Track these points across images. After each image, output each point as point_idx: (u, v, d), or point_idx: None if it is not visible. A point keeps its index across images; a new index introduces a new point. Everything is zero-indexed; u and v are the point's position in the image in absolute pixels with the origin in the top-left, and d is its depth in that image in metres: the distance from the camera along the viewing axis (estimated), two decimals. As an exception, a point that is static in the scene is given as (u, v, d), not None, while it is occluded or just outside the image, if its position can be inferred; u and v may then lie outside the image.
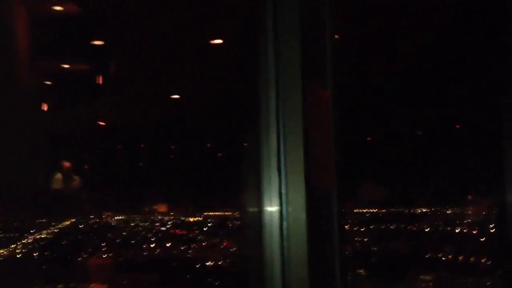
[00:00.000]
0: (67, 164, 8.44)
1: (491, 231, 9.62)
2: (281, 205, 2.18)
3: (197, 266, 9.67)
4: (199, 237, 10.14)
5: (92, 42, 6.34)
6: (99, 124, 8.16)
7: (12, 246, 8.90)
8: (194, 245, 10.06)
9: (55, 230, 8.92)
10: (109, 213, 9.92)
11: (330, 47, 2.40)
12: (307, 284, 2.10)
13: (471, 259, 9.94)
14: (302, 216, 2.17)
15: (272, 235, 2.18)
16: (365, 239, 10.76)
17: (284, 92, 2.23)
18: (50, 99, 7.10)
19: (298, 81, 2.24)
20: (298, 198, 2.18)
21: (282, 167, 2.20)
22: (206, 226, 10.43)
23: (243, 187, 2.47)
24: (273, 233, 2.18)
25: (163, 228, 10.27)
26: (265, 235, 2.20)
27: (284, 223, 2.17)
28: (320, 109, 2.39)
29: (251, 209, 2.42)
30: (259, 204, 2.22)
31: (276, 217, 2.18)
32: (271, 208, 2.20)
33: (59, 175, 8.63)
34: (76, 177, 8.79)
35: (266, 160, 2.23)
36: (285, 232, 2.17)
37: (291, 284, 2.12)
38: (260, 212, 2.22)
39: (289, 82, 2.24)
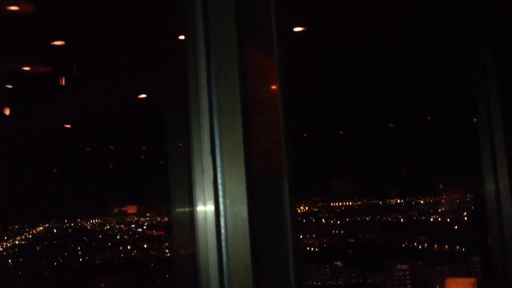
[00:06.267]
0: None
1: (464, 218, 9.23)
2: (216, 197, 1.63)
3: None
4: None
5: (52, 43, 5.72)
6: (65, 127, 7.52)
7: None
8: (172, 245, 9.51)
9: (29, 236, 8.30)
10: (83, 217, 9.31)
11: (275, 6, 1.87)
12: (250, 295, 1.56)
13: (446, 247, 9.56)
14: (243, 210, 1.62)
15: (206, 235, 1.63)
16: (342, 232, 10.31)
17: (217, 57, 1.69)
18: (12, 103, 6.49)
19: (233, 43, 1.70)
20: (238, 189, 1.64)
21: (218, 150, 1.66)
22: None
23: (171, 175, 1.92)
24: (207, 232, 1.63)
25: (140, 230, 9.72)
26: (198, 235, 1.65)
27: (221, 220, 1.62)
28: (263, 81, 1.86)
29: (179, 203, 1.87)
30: (190, 196, 1.68)
31: (211, 212, 1.63)
32: (205, 202, 1.65)
33: None
34: None
35: (197, 143, 1.68)
36: (222, 231, 1.62)
37: (231, 295, 1.58)
38: (191, 207, 1.67)
39: (223, 45, 1.70)
